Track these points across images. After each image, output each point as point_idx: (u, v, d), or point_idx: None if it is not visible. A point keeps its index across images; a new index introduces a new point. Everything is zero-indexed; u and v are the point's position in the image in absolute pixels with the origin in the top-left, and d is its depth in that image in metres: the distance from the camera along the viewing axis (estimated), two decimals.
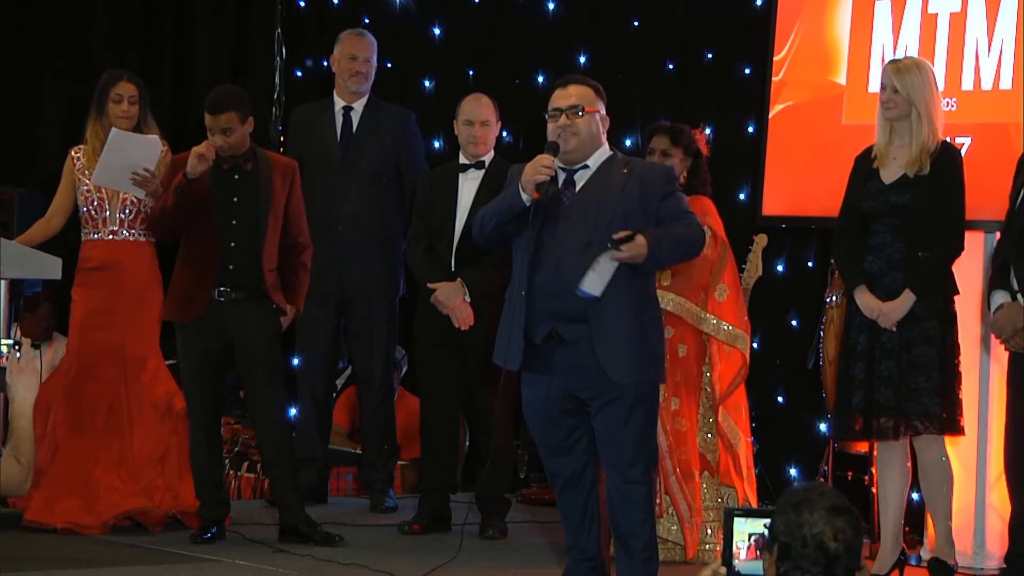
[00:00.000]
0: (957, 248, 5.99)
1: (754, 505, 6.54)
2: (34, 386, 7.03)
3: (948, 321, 5.97)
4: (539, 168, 5.30)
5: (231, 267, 6.50)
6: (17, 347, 6.83)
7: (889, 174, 6.01)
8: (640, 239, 5.22)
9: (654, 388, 5.50)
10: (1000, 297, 5.81)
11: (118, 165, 6.73)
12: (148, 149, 6.78)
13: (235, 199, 6.54)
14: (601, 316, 5.30)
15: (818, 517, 3.64)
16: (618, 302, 5.29)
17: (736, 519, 4.06)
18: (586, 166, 5.44)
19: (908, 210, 5.92)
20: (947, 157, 5.97)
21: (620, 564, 5.44)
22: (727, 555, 4.04)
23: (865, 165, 6.09)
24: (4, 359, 6.68)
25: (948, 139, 6.14)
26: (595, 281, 5.24)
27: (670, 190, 5.45)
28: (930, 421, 5.92)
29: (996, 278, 5.87)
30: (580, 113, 5.40)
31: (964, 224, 6.02)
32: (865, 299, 5.98)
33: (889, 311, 5.92)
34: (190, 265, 6.56)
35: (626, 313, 5.32)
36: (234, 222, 6.52)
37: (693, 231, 5.44)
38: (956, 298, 6.02)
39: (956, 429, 5.99)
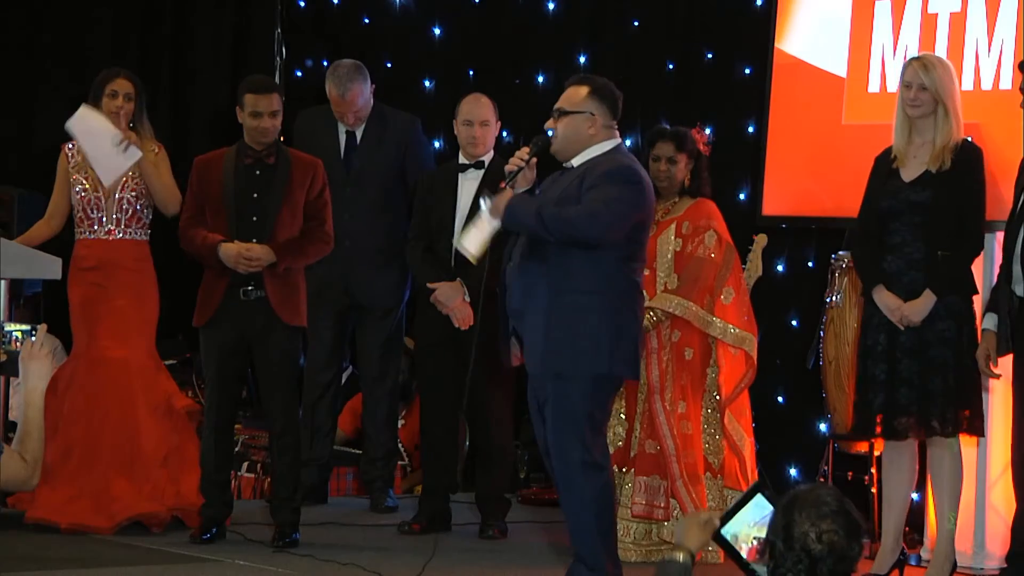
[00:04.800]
0: (977, 247, 5.96)
1: None
2: (46, 374, 6.92)
3: (965, 321, 5.91)
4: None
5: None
6: (32, 332, 6.80)
7: (909, 172, 5.95)
8: (506, 192, 5.32)
9: (578, 384, 5.34)
10: (986, 321, 5.81)
11: (103, 149, 6.67)
12: (94, 119, 6.68)
13: (255, 195, 6.50)
14: (525, 316, 5.38)
15: (805, 517, 3.65)
16: (537, 300, 5.36)
17: (734, 519, 4.07)
18: (571, 166, 5.50)
19: (927, 207, 5.87)
20: (969, 154, 5.92)
21: (572, 568, 5.43)
22: (726, 516, 4.06)
23: (885, 165, 6.03)
24: (17, 343, 6.67)
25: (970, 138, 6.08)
26: (471, 235, 5.31)
27: (597, 183, 5.33)
28: (946, 422, 5.88)
29: (997, 284, 5.85)
30: (559, 116, 5.46)
31: (984, 223, 5.97)
32: (884, 299, 5.91)
33: (910, 312, 5.86)
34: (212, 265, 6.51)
35: (545, 308, 5.35)
36: (255, 219, 6.48)
37: (580, 213, 5.27)
38: None
39: (975, 430, 5.94)
